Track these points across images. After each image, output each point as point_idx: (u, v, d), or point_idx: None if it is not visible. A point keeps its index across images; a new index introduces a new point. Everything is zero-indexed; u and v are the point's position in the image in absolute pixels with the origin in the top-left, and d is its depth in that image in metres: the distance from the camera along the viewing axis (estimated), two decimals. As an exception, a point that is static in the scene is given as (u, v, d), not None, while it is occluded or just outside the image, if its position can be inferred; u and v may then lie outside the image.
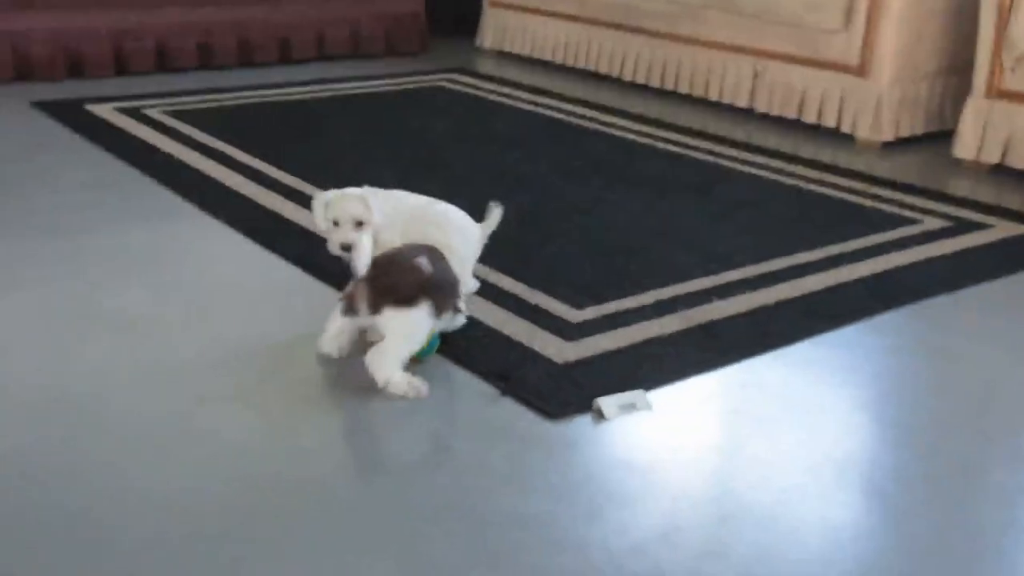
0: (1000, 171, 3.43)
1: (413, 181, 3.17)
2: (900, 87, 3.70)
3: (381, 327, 1.91)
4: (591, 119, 4.00)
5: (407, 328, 1.90)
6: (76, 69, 4.43)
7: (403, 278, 1.91)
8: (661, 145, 3.67)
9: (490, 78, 4.69)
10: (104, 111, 3.86)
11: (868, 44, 3.68)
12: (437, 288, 1.92)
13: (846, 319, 2.29)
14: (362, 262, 1.92)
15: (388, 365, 1.89)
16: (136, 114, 3.83)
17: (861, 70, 3.72)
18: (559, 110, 4.13)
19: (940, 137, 3.80)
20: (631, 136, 3.78)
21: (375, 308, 1.89)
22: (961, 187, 3.31)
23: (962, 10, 3.70)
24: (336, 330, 2.01)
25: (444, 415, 1.87)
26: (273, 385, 1.95)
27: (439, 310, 1.93)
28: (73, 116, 3.78)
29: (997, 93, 3.36)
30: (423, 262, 1.93)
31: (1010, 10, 3.27)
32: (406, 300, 1.88)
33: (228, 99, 4.14)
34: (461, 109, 4.15)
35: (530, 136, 3.77)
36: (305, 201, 2.92)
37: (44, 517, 1.54)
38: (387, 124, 3.87)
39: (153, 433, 1.78)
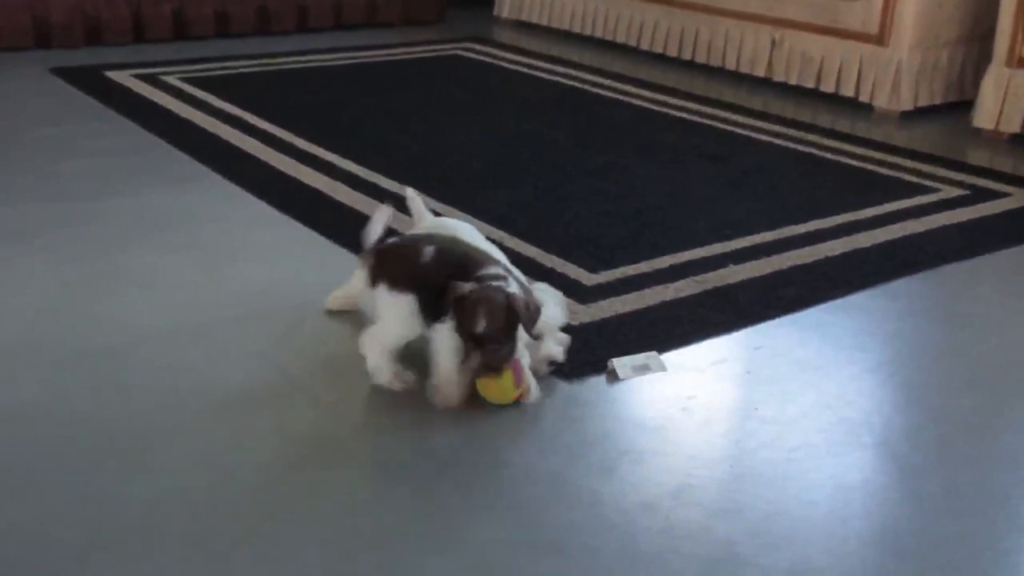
0: (1019, 140, 3.41)
1: (429, 149, 3.19)
2: (919, 55, 3.67)
3: (375, 304, 1.82)
4: (607, 88, 3.99)
5: (392, 313, 1.78)
6: (95, 36, 4.43)
7: (403, 262, 1.80)
8: (677, 114, 3.66)
9: (507, 47, 4.68)
10: (123, 78, 3.88)
11: (887, 12, 3.65)
12: (427, 283, 1.77)
13: (860, 284, 2.29)
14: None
15: (372, 350, 1.80)
16: (155, 81, 3.84)
17: (880, 38, 3.69)
18: (576, 79, 4.12)
19: (960, 106, 3.77)
20: (647, 105, 3.77)
21: (373, 281, 1.81)
22: (979, 156, 3.29)
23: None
24: (344, 290, 2.04)
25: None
26: (290, 342, 1.97)
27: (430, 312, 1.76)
28: (92, 83, 3.79)
29: (1018, 62, 3.34)
30: (429, 252, 1.79)
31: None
32: (396, 283, 1.78)
33: (245, 67, 4.15)
34: (478, 78, 4.15)
35: (547, 105, 3.77)
36: (320, 165, 2.94)
37: (63, 467, 1.57)
38: (403, 93, 3.87)
39: (174, 387, 1.80)
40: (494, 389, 1.74)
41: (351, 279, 2.04)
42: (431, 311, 1.76)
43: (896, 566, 1.42)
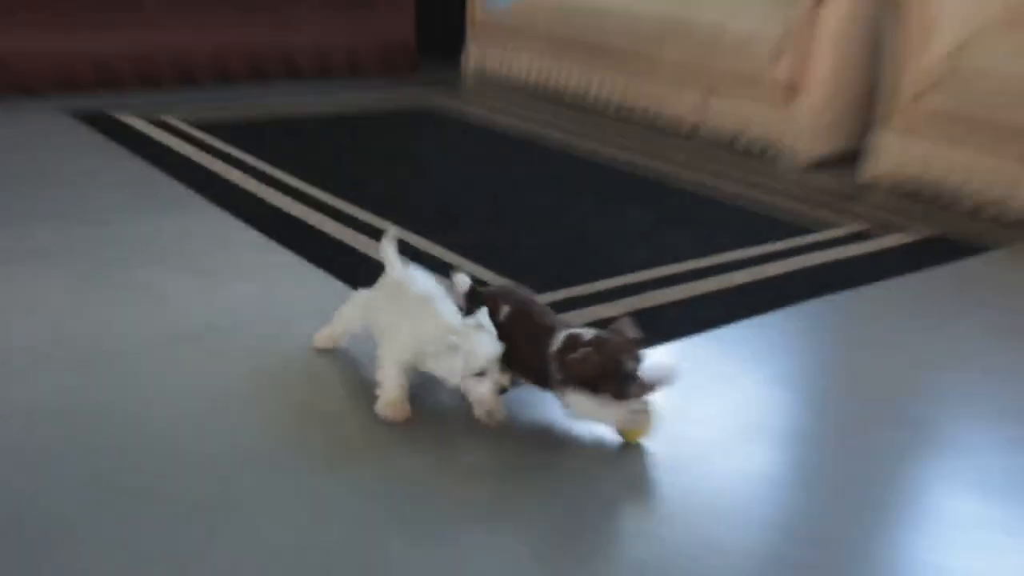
0: (902, 190, 3.48)
1: (399, 186, 3.23)
2: (823, 115, 3.76)
3: None
4: (557, 135, 4.04)
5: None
6: (107, 83, 4.44)
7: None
8: (617, 160, 3.71)
9: (471, 98, 4.72)
10: (130, 119, 3.88)
11: (797, 77, 3.74)
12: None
13: (771, 306, 2.36)
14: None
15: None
16: (159, 122, 3.85)
17: (790, 99, 3.77)
18: (530, 127, 4.16)
19: (855, 159, 3.85)
20: (591, 152, 3.82)
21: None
22: (870, 202, 3.37)
23: (875, 50, 3.77)
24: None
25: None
26: (273, 350, 2.00)
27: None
28: (104, 123, 3.80)
29: (902, 123, 3.41)
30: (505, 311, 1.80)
31: (914, 53, 3.34)
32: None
33: (239, 110, 4.17)
34: (445, 124, 4.19)
35: (504, 148, 3.81)
36: (302, 198, 2.97)
37: (72, 451, 1.60)
38: (378, 135, 3.90)
39: (170, 387, 1.83)
40: (646, 420, 1.69)
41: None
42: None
43: (789, 544, 1.47)
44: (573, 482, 1.60)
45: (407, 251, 2.56)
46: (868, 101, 3.85)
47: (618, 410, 1.67)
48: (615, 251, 2.68)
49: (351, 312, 1.93)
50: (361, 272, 2.39)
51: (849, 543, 1.49)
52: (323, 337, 1.99)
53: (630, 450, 1.71)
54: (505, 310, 1.80)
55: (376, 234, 2.68)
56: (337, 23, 4.98)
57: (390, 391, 1.74)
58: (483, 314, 1.73)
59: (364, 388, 1.88)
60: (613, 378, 1.64)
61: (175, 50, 4.56)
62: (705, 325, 2.23)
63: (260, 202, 2.93)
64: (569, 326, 1.76)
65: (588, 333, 1.70)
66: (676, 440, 1.75)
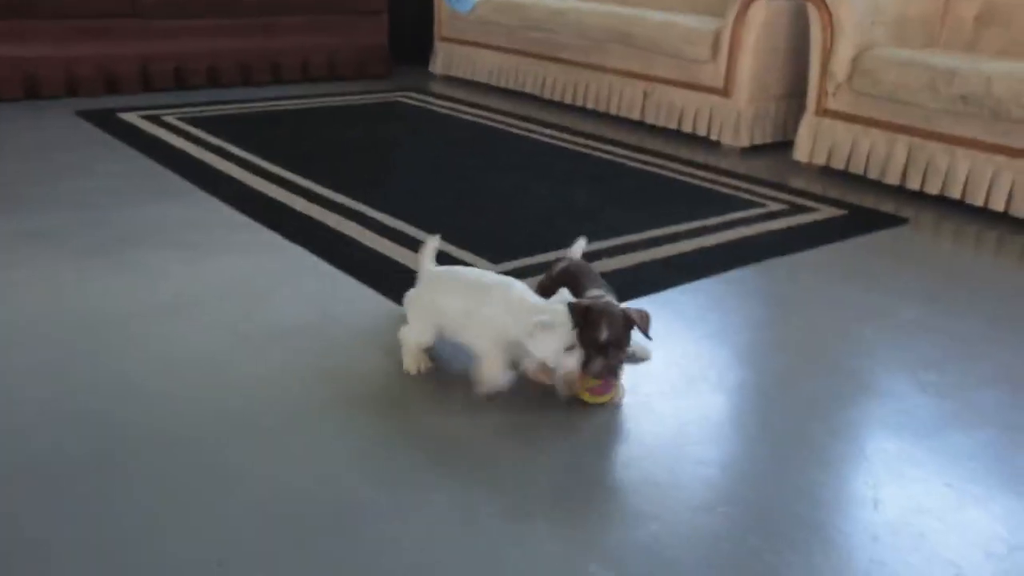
0: (826, 171, 3.48)
1: (374, 172, 3.15)
2: (754, 106, 3.73)
3: None
4: (516, 127, 3.98)
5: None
6: (112, 87, 4.33)
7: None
8: (570, 147, 3.67)
9: (439, 95, 4.65)
10: (132, 118, 3.78)
11: (730, 72, 3.70)
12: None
13: (705, 273, 2.32)
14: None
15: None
16: (157, 120, 3.75)
17: (725, 92, 3.74)
18: (492, 119, 4.11)
19: (784, 144, 3.84)
20: (547, 140, 3.77)
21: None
22: (797, 181, 3.35)
23: (798, 48, 3.74)
24: None
25: (364, 338, 1.86)
26: (253, 316, 1.93)
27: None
28: (108, 122, 3.70)
29: (823, 112, 3.40)
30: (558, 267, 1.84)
31: (831, 50, 3.31)
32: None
33: (230, 109, 4.07)
34: (415, 118, 4.11)
35: (468, 138, 3.75)
36: (284, 184, 2.89)
37: (76, 404, 1.52)
38: (356, 129, 3.82)
39: (158, 349, 1.75)
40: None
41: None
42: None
43: (720, 480, 1.43)
44: (548, 432, 1.55)
45: (376, 227, 2.50)
46: (794, 93, 3.83)
47: (559, 378, 1.61)
48: (569, 225, 2.62)
49: (420, 324, 1.70)
50: (336, 247, 2.32)
51: (782, 478, 1.44)
52: (411, 362, 1.72)
53: (594, 406, 1.65)
54: (559, 266, 1.83)
55: (348, 213, 2.61)
56: (318, 32, 4.88)
57: (491, 369, 1.61)
58: (564, 291, 1.61)
59: (339, 352, 1.82)
60: (588, 335, 1.54)
61: (173, 58, 4.45)
62: (648, 289, 2.19)
63: (245, 188, 2.85)
64: (605, 294, 1.68)
65: (607, 300, 1.61)
66: (626, 391, 1.69)
